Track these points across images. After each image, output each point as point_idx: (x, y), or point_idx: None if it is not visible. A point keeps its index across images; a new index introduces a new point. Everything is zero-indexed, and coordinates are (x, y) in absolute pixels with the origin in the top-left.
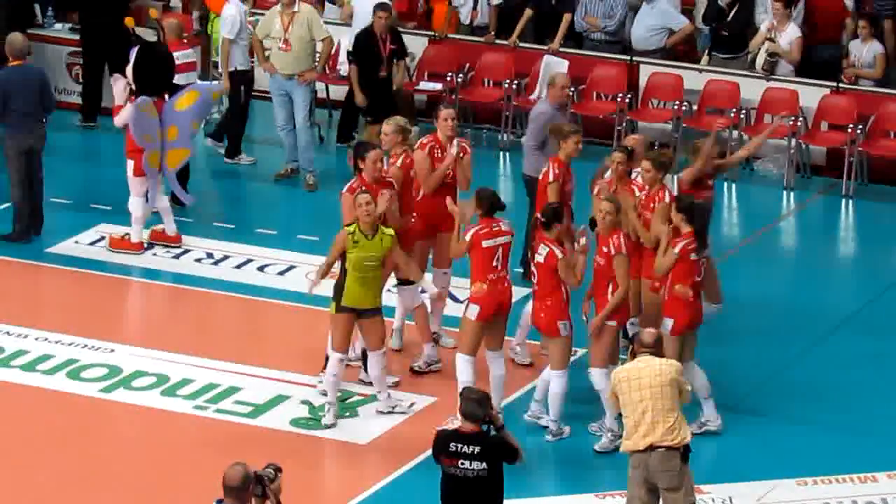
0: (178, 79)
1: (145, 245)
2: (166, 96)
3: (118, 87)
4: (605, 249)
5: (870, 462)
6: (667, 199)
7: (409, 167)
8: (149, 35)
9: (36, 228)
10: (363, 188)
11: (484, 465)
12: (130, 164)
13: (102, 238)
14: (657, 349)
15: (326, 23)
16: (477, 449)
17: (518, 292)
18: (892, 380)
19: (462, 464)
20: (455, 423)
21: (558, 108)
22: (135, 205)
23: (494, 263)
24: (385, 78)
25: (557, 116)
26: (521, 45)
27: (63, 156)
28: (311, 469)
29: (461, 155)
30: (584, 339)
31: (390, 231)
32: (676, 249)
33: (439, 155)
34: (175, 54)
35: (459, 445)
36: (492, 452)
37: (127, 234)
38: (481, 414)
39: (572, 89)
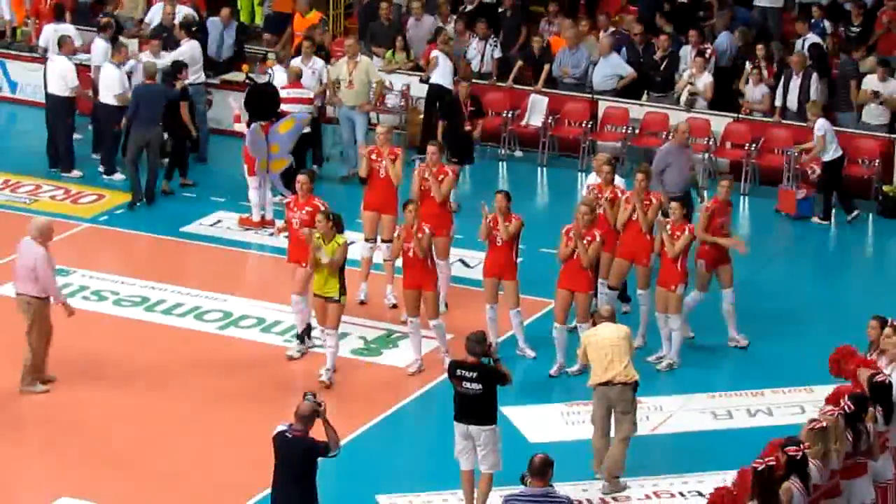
0: (293, 108)
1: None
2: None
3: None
4: (588, 239)
5: (759, 382)
6: (654, 201)
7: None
8: (261, 77)
9: (149, 200)
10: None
11: (480, 386)
12: (246, 167)
13: (219, 221)
14: (612, 319)
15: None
16: (475, 374)
17: None
18: (774, 325)
19: (464, 384)
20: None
21: (680, 147)
22: (251, 195)
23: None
24: (469, 132)
25: (673, 152)
26: (515, 86)
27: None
28: (366, 383)
29: (392, 158)
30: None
31: (342, 239)
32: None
33: (375, 158)
34: (291, 91)
35: (463, 371)
36: (485, 378)
37: (250, 215)
38: (479, 350)
39: (550, 119)
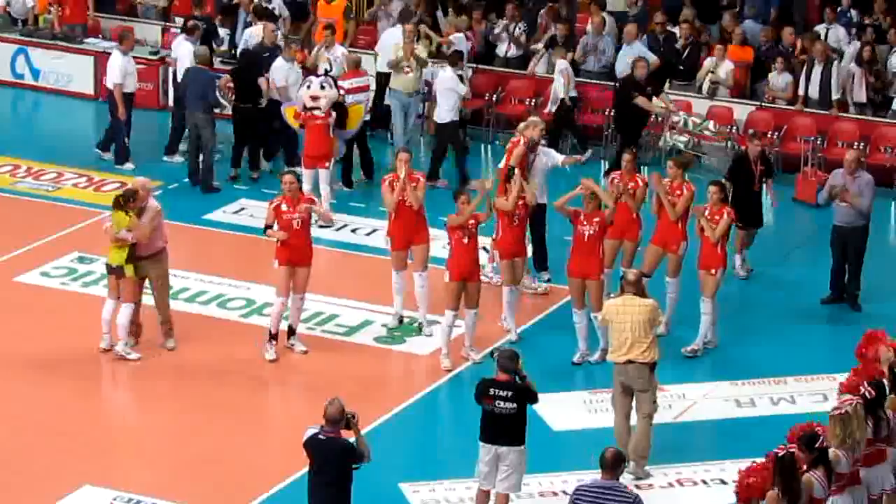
0: (352, 97)
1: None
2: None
3: None
4: (596, 220)
5: (782, 370)
6: (686, 191)
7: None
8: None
9: (206, 177)
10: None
11: (514, 405)
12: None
13: (242, 209)
14: (637, 286)
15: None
16: (510, 393)
17: None
18: (798, 313)
19: (498, 404)
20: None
21: (845, 176)
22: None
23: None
24: (756, 191)
25: (838, 179)
26: (538, 74)
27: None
28: (389, 372)
29: (413, 184)
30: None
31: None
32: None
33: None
34: (352, 80)
35: (497, 390)
36: (520, 396)
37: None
38: (512, 367)
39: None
